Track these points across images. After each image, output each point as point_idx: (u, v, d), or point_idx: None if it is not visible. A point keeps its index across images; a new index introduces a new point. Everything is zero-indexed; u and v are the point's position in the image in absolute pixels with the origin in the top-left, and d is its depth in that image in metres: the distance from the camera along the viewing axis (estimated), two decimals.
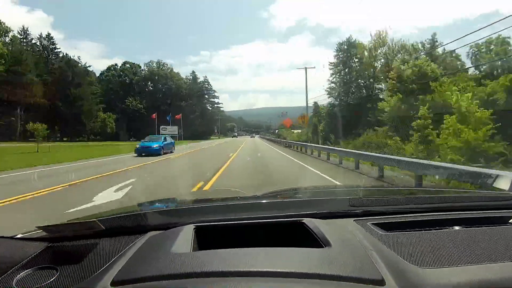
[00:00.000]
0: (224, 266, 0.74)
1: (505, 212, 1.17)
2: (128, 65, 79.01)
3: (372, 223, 1.05)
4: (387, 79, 24.29)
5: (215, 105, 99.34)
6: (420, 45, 33.25)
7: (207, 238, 1.02)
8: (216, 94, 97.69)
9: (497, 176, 5.04)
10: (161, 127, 54.74)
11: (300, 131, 47.94)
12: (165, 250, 0.86)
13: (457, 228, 1.04)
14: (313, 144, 22.29)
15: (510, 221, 1.10)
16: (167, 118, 55.56)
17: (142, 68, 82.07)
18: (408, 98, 20.89)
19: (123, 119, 63.84)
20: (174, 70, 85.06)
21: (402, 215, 1.15)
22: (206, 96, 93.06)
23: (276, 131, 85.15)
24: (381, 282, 0.70)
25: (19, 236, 1.07)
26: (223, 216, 1.15)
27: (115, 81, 74.31)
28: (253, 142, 45.96)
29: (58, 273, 0.86)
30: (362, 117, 30.14)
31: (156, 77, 79.13)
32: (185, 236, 0.95)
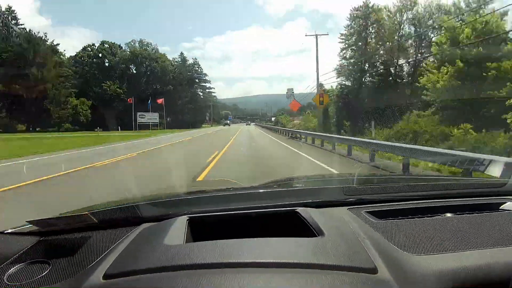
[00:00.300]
0: (217, 257, 0.74)
1: (496, 198, 1.19)
2: (107, 45, 67.27)
3: (366, 211, 1.06)
4: (419, 52, 17.45)
5: (207, 90, 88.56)
6: (463, 4, 22.00)
7: (202, 229, 1.02)
8: (207, 78, 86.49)
9: (490, 162, 5.04)
10: (138, 114, 47.78)
11: (300, 118, 42.39)
12: (158, 242, 0.85)
13: (449, 215, 1.05)
14: (342, 137, 14.65)
15: (501, 207, 1.11)
16: (148, 103, 47.92)
17: (124, 48, 70.68)
18: (471, 68, 14.41)
19: (104, 106, 52.14)
20: (160, 52, 74.28)
21: (395, 203, 1.17)
22: (197, 81, 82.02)
23: (273, 118, 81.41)
24: (374, 270, 0.71)
25: (9, 230, 1.05)
26: (217, 207, 1.14)
27: (91, 63, 63.23)
28: (248, 132, 38.64)
29: (50, 267, 0.85)
30: (389, 98, 22.28)
31: (139, 59, 67.86)
32: (179, 227, 0.95)
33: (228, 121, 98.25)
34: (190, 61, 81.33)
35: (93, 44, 67.61)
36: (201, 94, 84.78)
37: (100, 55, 64.69)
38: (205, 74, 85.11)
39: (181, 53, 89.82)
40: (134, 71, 68.44)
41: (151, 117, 50.34)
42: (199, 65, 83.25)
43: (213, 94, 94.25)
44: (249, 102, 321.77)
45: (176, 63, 76.53)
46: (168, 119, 64.02)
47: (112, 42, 68.88)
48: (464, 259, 0.74)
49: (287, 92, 43.53)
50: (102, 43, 67.84)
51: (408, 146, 8.04)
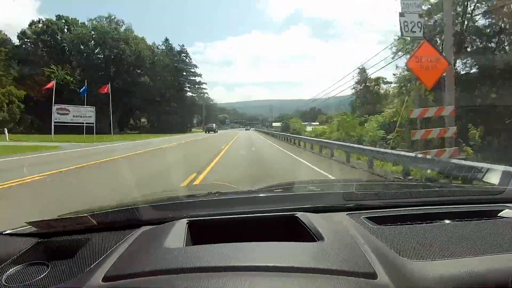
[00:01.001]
0: (216, 261, 0.74)
1: (495, 206, 1.20)
2: (63, 21, 50.02)
3: (365, 217, 1.06)
4: None
5: (196, 86, 67.22)
6: None
7: (201, 233, 1.02)
8: (197, 71, 66.47)
9: (488, 170, 5.06)
10: (55, 107, 25.92)
11: (316, 124, 36.79)
12: (158, 245, 0.85)
13: (447, 221, 1.06)
14: None
15: (499, 214, 1.12)
16: (80, 91, 28.01)
17: (87, 25, 51.21)
18: None
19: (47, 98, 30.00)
20: (135, 33, 53.93)
21: (394, 209, 1.17)
22: (184, 74, 62.18)
23: (274, 124, 72.63)
24: (373, 275, 0.71)
25: (8, 231, 1.04)
26: (216, 210, 1.15)
27: (36, 43, 46.61)
28: (249, 142, 25.72)
29: (49, 269, 0.85)
30: None
31: (103, 39, 48.40)
32: (178, 230, 0.95)
33: (214, 125, 59.98)
34: (177, 48, 61.78)
35: (42, 20, 49.12)
36: (188, 89, 64.88)
37: (48, 31, 47.46)
38: (195, 66, 65.27)
39: (166, 39, 61.99)
40: (99, 55, 49.57)
41: (79, 113, 27.77)
42: (187, 54, 62.76)
43: (204, 90, 73.09)
44: (249, 107, 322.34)
45: (158, 50, 58.66)
46: (144, 122, 53.58)
47: (73, 18, 50.82)
48: (462, 265, 0.74)
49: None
50: (59, 17, 50.41)
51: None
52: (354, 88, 31.02)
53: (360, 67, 26.92)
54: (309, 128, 37.01)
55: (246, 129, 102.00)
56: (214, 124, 60.22)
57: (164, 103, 52.51)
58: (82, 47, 49.14)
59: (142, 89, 47.21)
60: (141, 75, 49.75)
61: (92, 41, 49.93)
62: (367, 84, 30.35)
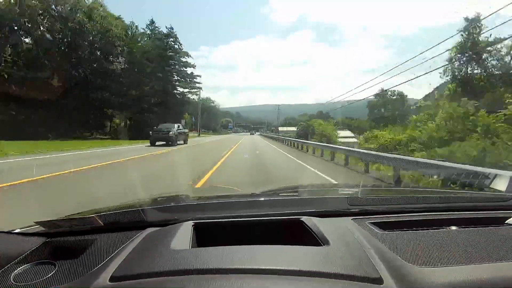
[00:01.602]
0: (222, 263, 0.75)
1: (501, 212, 1.19)
2: None
3: (370, 222, 1.06)
4: None
5: (189, 80, 48.73)
6: None
7: (206, 235, 1.02)
8: (190, 61, 47.29)
9: (495, 176, 5.01)
10: None
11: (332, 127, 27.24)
12: (164, 246, 0.86)
13: (453, 228, 1.05)
14: None
15: (506, 221, 1.11)
16: None
17: None
18: None
19: None
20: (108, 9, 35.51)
21: (400, 215, 1.16)
22: (172, 63, 44.80)
23: (280, 128, 66.83)
24: (379, 280, 0.71)
25: (17, 231, 1.05)
26: (222, 213, 1.15)
27: None
28: (256, 158, 13.79)
29: (56, 268, 0.86)
30: None
31: (56, 12, 30.19)
32: (184, 232, 0.96)
33: (175, 128, 22.00)
34: (163, 31, 44.04)
35: None
36: (177, 82, 46.64)
37: None
38: (186, 54, 46.55)
39: (151, 21, 44.60)
40: (47, 35, 29.79)
41: None
42: (177, 39, 44.96)
43: (198, 84, 51.29)
44: (252, 111, 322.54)
45: (136, 31, 41.71)
46: (120, 123, 39.27)
47: None
48: (469, 272, 0.74)
49: None
50: None
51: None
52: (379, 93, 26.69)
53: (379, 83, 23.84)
54: (344, 133, 27.22)
55: (250, 133, 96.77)
56: (177, 125, 23.53)
57: (144, 100, 37.91)
58: (19, 22, 28.01)
59: (115, 81, 34.48)
60: (112, 63, 34.69)
61: (40, 20, 29.03)
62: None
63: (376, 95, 28.65)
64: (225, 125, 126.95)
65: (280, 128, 73.98)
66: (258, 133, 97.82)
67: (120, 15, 37.64)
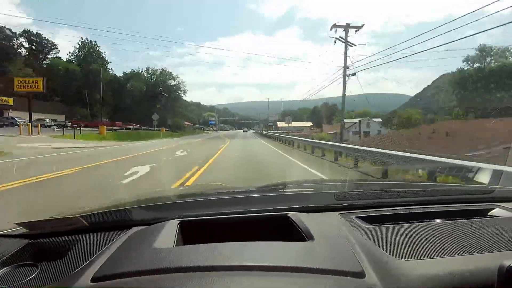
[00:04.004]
0: (206, 260, 0.74)
1: (485, 205, 1.21)
2: None
3: (357, 217, 1.07)
4: None
5: None
6: None
7: (193, 233, 1.02)
8: None
9: (478, 169, 5.14)
10: None
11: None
12: (148, 245, 0.85)
13: (438, 221, 1.07)
14: None
15: (489, 213, 1.14)
16: None
17: None
18: None
19: None
20: None
21: (386, 209, 1.18)
22: None
23: (279, 123, 49.42)
24: (361, 274, 0.71)
25: None
26: (208, 211, 1.14)
27: None
28: None
29: (39, 270, 0.84)
30: None
31: None
32: (169, 231, 0.95)
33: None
34: None
35: None
36: None
37: None
38: None
39: None
40: None
41: None
42: None
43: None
44: (241, 108, 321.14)
45: None
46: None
47: None
48: (451, 264, 0.75)
49: None
50: None
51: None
52: None
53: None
54: None
55: (244, 131, 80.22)
56: None
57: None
58: None
59: None
60: None
61: None
62: None
63: None
64: (206, 122, 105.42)
65: (279, 124, 56.07)
66: (253, 130, 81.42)
67: None
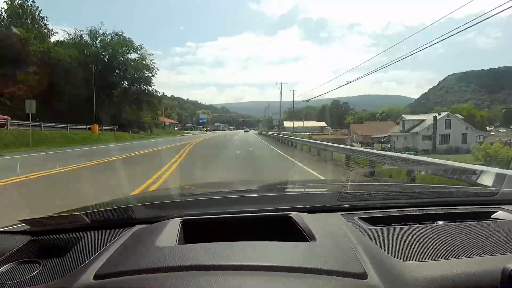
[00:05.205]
0: (208, 259, 0.74)
1: (488, 207, 1.21)
2: None
3: (359, 218, 1.07)
4: None
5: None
6: None
7: (195, 232, 1.02)
8: None
9: (481, 172, 5.12)
10: None
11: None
12: (150, 243, 0.85)
13: (440, 223, 1.06)
14: None
15: (492, 216, 1.13)
16: None
17: None
18: None
19: None
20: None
21: (389, 210, 1.18)
22: None
23: (285, 123, 44.90)
24: (363, 275, 0.71)
25: (0, 229, 1.03)
26: (210, 210, 1.14)
27: None
28: None
29: (41, 266, 0.84)
30: None
31: None
32: (171, 229, 0.95)
33: None
34: None
35: None
36: None
37: None
38: None
39: None
40: None
41: None
42: None
43: None
44: (240, 108, 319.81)
45: None
46: None
47: None
48: (454, 266, 0.75)
49: None
50: None
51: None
52: None
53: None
54: None
55: (245, 131, 72.75)
56: None
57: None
58: None
59: None
60: None
61: None
62: None
63: None
64: (194, 121, 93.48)
65: (286, 124, 51.24)
66: (254, 130, 73.20)
67: None
